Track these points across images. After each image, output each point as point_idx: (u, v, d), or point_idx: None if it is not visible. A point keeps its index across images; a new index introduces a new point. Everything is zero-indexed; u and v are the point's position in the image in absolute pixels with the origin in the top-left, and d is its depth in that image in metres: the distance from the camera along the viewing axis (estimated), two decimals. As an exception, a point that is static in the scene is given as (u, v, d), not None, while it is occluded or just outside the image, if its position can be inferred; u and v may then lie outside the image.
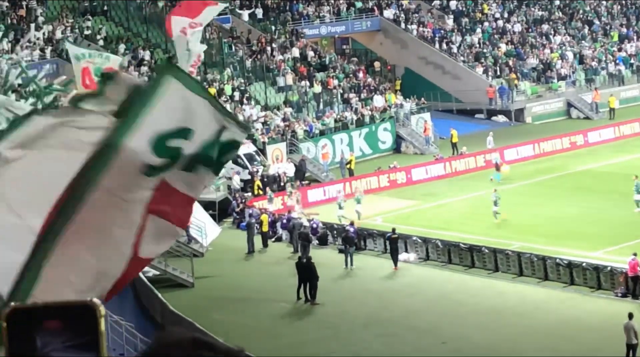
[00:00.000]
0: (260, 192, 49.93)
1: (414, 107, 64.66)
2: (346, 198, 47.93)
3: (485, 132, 61.25)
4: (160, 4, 66.34)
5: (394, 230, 40.94)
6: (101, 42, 60.58)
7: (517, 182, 52.68)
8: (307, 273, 35.99)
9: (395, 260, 39.79)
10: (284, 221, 44.43)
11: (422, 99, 66.16)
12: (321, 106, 63.17)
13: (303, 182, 52.57)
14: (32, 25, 58.65)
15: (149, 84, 5.16)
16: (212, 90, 59.43)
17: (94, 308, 1.93)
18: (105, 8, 65.68)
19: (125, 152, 4.91)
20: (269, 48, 65.83)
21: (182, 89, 5.07)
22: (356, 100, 63.23)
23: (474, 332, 32.53)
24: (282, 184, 51.74)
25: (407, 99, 65.63)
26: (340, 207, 46.67)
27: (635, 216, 44.54)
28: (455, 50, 74.33)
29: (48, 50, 57.62)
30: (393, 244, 40.19)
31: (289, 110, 60.74)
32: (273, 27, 69.79)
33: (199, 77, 59.06)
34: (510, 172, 53.52)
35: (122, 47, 59.96)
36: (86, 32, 61.75)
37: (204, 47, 44.88)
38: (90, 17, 63.86)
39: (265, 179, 51.57)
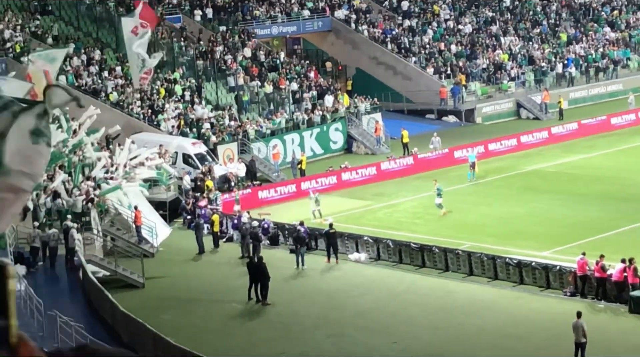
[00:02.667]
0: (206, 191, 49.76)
1: (367, 107, 64.82)
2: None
3: (437, 132, 61.54)
4: (111, 4, 65.91)
5: (331, 225, 41.52)
6: (50, 41, 60.09)
7: (466, 182, 52.99)
8: (258, 273, 35.96)
9: (329, 254, 40.66)
10: (235, 221, 44.34)
11: (375, 99, 66.35)
12: (272, 106, 63.11)
13: (254, 183, 52.54)
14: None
15: None
16: (162, 91, 59.22)
17: (2, 268, 1.91)
18: (50, 8, 65.05)
19: None
20: (220, 48, 65.66)
21: None
22: (308, 101, 63.23)
23: (424, 331, 32.69)
24: (232, 184, 51.59)
25: (363, 98, 65.74)
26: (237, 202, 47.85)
27: (584, 216, 44.93)
28: (406, 50, 74.58)
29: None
30: (331, 239, 40.81)
31: (235, 109, 60.62)
32: (224, 27, 69.62)
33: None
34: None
35: (71, 47, 59.48)
36: (34, 30, 61.21)
37: (157, 59, 45.12)
38: (39, 17, 63.33)
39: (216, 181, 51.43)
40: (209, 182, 50.29)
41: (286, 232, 43.60)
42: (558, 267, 36.16)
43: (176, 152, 52.27)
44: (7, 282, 1.84)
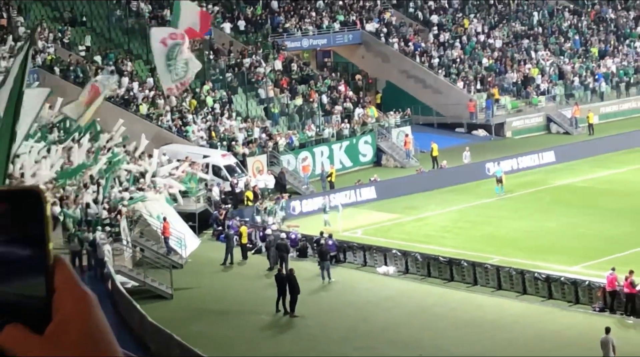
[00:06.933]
0: (250, 203, 49.94)
1: (397, 120, 64.82)
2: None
3: (466, 146, 61.45)
4: (146, 16, 66.25)
5: (330, 235, 41.87)
6: (82, 53, 60.50)
7: (495, 196, 52.82)
8: (288, 285, 35.95)
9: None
10: (261, 233, 44.36)
11: (407, 110, 66.33)
12: (302, 119, 63.21)
13: (283, 195, 52.63)
14: (9, 37, 58.55)
15: None
16: (194, 102, 59.46)
17: (39, 193, 1.93)
18: (82, 19, 65.49)
19: None
20: (249, 60, 65.81)
21: None
22: (337, 114, 63.29)
23: (452, 345, 32.60)
24: (259, 197, 51.57)
25: (391, 113, 65.79)
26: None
27: (614, 231, 44.61)
28: (436, 64, 74.54)
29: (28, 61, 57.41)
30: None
31: (269, 122, 60.81)
32: (255, 40, 69.81)
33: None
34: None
35: (98, 58, 59.85)
36: (66, 41, 61.64)
37: (198, 67, 45.53)
38: (70, 27, 63.66)
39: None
40: (249, 193, 50.45)
41: (315, 244, 43.62)
42: (587, 282, 36.01)
43: (207, 165, 52.40)
44: (45, 207, 1.88)
